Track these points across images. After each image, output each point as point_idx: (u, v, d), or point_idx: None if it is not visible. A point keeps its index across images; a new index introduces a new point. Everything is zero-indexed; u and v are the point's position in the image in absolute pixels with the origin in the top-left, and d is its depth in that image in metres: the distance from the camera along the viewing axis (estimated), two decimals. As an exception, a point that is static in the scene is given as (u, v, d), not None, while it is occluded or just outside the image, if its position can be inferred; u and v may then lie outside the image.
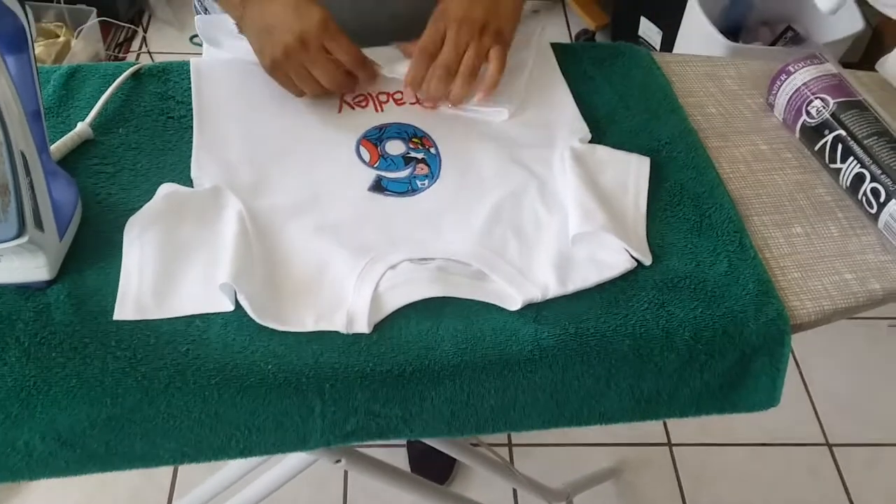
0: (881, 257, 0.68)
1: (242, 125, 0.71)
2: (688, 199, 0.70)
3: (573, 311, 0.61)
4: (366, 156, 0.71)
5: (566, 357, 0.59)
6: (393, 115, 0.75)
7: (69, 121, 0.70)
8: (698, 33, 1.77)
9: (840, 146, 0.72)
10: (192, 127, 0.70)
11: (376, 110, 0.75)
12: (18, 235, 0.53)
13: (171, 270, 0.60)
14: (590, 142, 0.74)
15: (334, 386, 0.56)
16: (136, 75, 0.75)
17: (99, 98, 0.72)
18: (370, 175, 0.69)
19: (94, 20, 2.03)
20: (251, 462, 1.09)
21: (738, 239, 0.67)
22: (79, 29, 2.00)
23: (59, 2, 2.01)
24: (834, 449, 1.54)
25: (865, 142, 0.70)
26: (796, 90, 0.76)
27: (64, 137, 0.68)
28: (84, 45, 2.00)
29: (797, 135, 0.77)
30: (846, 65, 0.82)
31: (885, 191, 0.67)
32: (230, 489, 1.06)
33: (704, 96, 0.82)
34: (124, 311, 0.57)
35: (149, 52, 2.23)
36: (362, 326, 0.58)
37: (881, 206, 0.68)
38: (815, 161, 0.76)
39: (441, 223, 0.66)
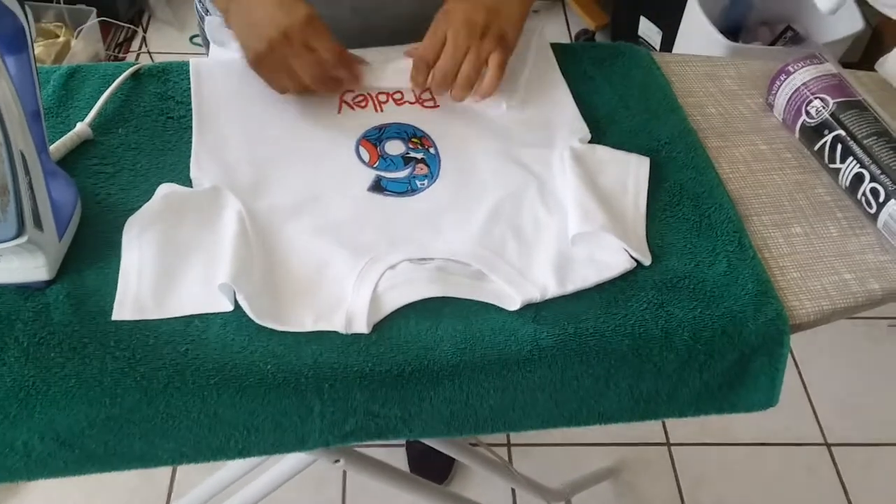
0: (880, 257, 0.69)
1: (242, 125, 0.71)
2: (687, 199, 0.70)
3: (572, 311, 0.61)
4: (365, 156, 0.71)
5: (565, 357, 0.59)
6: (392, 115, 0.75)
7: (69, 121, 0.70)
8: (698, 33, 1.77)
9: (839, 146, 0.72)
10: (191, 127, 0.70)
11: (376, 110, 0.75)
12: (18, 235, 0.53)
13: (170, 271, 0.60)
14: (589, 142, 0.74)
15: (333, 386, 0.56)
16: (135, 75, 0.75)
17: (98, 98, 0.72)
18: (370, 175, 0.69)
19: (93, 20, 2.03)
20: (250, 462, 1.09)
21: (737, 239, 0.67)
22: (78, 29, 2.00)
23: (58, 2, 2.01)
24: (833, 449, 1.54)
25: (865, 142, 0.70)
26: (796, 90, 0.76)
27: (63, 137, 0.68)
28: (84, 46, 2.00)
29: (797, 135, 0.77)
30: (846, 65, 0.82)
31: (885, 191, 0.67)
32: (229, 489, 1.06)
33: (704, 96, 0.82)
34: (123, 311, 0.57)
35: (148, 53, 2.23)
36: (361, 326, 0.58)
37: (880, 206, 0.68)
38: (814, 161, 0.76)
39: (440, 223, 0.66)
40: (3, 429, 0.53)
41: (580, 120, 0.75)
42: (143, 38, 2.29)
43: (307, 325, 0.58)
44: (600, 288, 0.62)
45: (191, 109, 0.72)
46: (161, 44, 2.27)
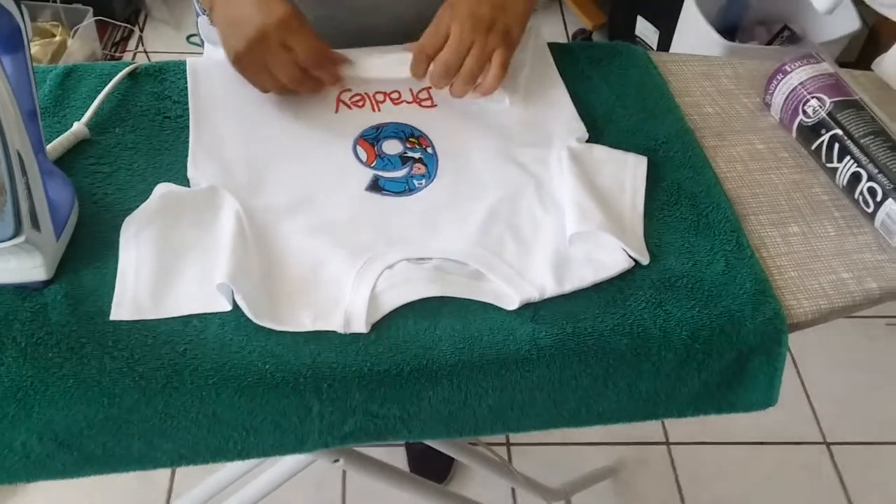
0: (878, 256, 0.69)
1: (239, 125, 0.71)
2: (685, 198, 0.70)
3: (570, 311, 0.61)
4: (363, 155, 0.71)
5: (564, 356, 0.59)
6: (390, 114, 0.75)
7: (65, 120, 0.70)
8: (695, 33, 1.77)
9: (837, 145, 0.72)
10: (188, 127, 0.70)
11: (373, 110, 0.75)
12: (15, 235, 0.53)
13: (167, 270, 0.60)
14: (587, 141, 0.74)
15: (332, 386, 0.56)
16: (132, 75, 0.75)
17: (95, 98, 0.72)
18: (367, 175, 0.69)
19: (90, 20, 2.03)
20: (249, 462, 1.09)
21: (735, 238, 0.67)
22: (75, 28, 2.00)
23: (55, 1, 2.00)
24: (832, 447, 1.54)
25: (862, 141, 0.70)
26: (793, 89, 0.76)
27: (60, 137, 0.68)
28: (80, 45, 2.00)
29: (794, 134, 0.77)
30: (842, 64, 0.82)
31: (882, 190, 0.67)
32: (228, 490, 1.06)
33: (701, 96, 0.82)
34: (121, 311, 0.57)
35: (145, 52, 2.23)
36: (360, 326, 0.58)
37: (878, 205, 0.68)
38: (811, 160, 0.76)
39: (438, 223, 0.66)
40: (1, 429, 0.53)
41: (577, 119, 0.75)
42: (140, 38, 2.29)
43: (305, 324, 0.58)
44: (598, 287, 0.62)
45: (187, 109, 0.72)
46: (158, 43, 2.27)
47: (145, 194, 0.64)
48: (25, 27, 0.58)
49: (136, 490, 1.38)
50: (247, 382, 0.55)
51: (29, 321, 0.56)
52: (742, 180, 0.74)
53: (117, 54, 2.20)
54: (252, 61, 0.69)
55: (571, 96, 0.77)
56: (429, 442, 1.01)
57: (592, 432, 1.51)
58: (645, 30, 2.09)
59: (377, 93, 0.76)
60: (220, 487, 1.12)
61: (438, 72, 0.71)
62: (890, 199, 0.67)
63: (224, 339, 0.57)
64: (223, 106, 0.72)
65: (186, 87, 0.74)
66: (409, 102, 0.76)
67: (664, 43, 2.01)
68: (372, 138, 0.72)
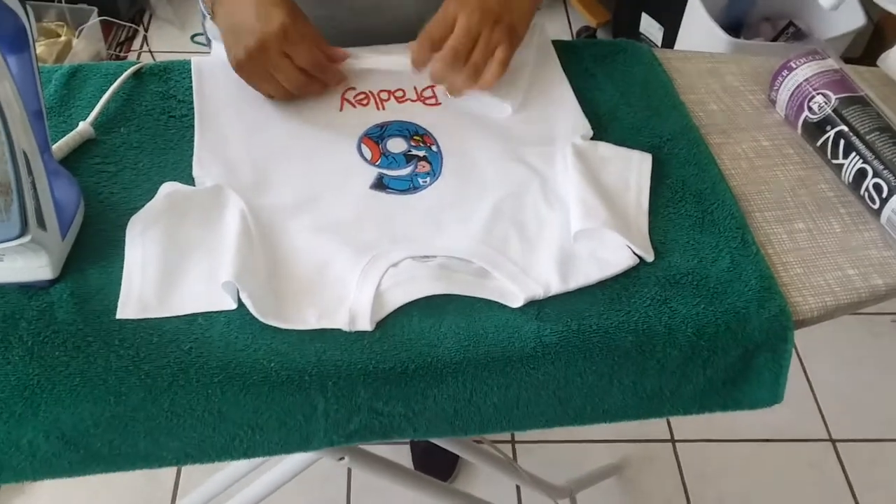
0: (884, 253, 0.68)
1: (244, 124, 0.71)
2: (690, 195, 0.70)
3: (575, 308, 0.61)
4: (367, 154, 0.71)
5: (569, 354, 0.59)
6: (394, 112, 0.75)
7: (71, 120, 0.70)
8: (700, 29, 1.77)
9: (842, 142, 0.72)
10: (193, 126, 0.70)
11: (377, 108, 0.75)
12: (21, 235, 0.53)
13: (173, 269, 0.60)
14: (591, 139, 0.74)
15: (337, 383, 0.56)
16: (137, 74, 0.75)
17: (100, 97, 0.72)
18: (372, 173, 0.69)
19: (95, 19, 2.03)
20: (254, 460, 1.09)
21: (740, 235, 0.66)
22: (80, 28, 2.00)
23: (60, 1, 2.01)
24: (837, 445, 1.54)
25: (867, 137, 0.70)
26: (798, 86, 0.76)
27: (66, 137, 0.68)
28: (85, 45, 2.00)
29: (799, 131, 0.77)
30: (848, 60, 0.82)
31: (888, 186, 0.67)
32: (233, 487, 1.06)
33: (706, 93, 0.82)
34: (127, 309, 0.58)
35: (150, 52, 2.24)
36: (365, 324, 0.58)
37: (884, 201, 0.68)
38: (817, 157, 0.76)
39: (443, 221, 0.66)
40: (8, 427, 0.53)
41: (582, 117, 0.75)
42: (145, 37, 2.29)
43: (310, 322, 0.58)
44: (603, 284, 0.62)
45: (192, 108, 0.72)
46: (162, 43, 2.27)
47: (151, 193, 0.64)
48: (31, 27, 0.58)
49: (142, 489, 1.38)
50: (252, 380, 0.55)
51: (35, 320, 0.56)
52: (747, 177, 0.73)
53: (122, 54, 2.20)
54: (254, 70, 0.69)
55: (576, 94, 0.77)
56: (434, 440, 1.01)
57: (597, 430, 1.51)
58: (649, 27, 2.09)
59: (381, 91, 0.76)
60: (226, 485, 1.13)
61: (447, 57, 0.69)
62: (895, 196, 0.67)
63: (229, 337, 0.57)
64: (228, 105, 0.73)
65: (191, 87, 0.74)
66: (413, 101, 0.76)
67: (669, 40, 2.01)
68: (376, 136, 0.72)
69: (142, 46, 2.26)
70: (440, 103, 0.76)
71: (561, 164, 0.70)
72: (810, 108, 0.75)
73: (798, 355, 1.66)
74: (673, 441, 1.53)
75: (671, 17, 1.94)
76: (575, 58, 0.82)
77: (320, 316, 0.58)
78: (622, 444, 1.52)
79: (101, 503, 1.36)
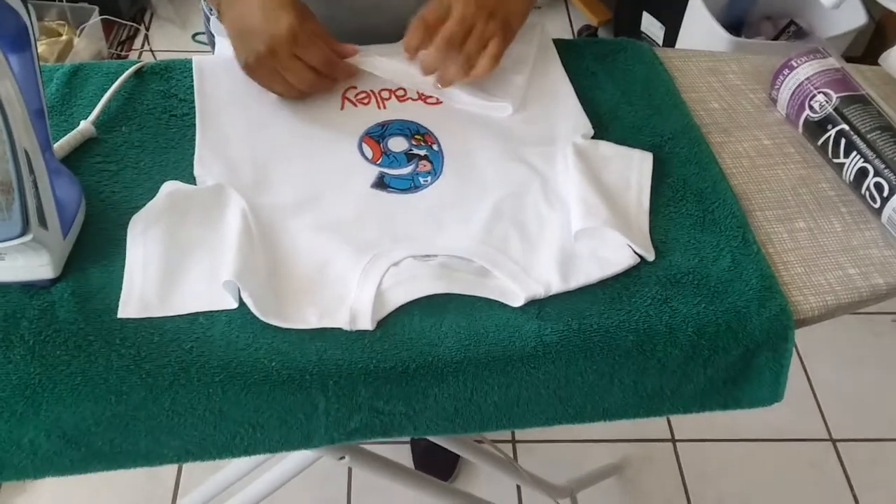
0: (885, 252, 0.68)
1: (245, 123, 0.71)
2: (691, 194, 0.70)
3: (576, 307, 0.61)
4: (368, 153, 0.71)
5: (569, 353, 0.59)
6: (395, 111, 0.75)
7: (72, 119, 0.70)
8: (701, 28, 1.77)
9: (843, 141, 0.71)
10: (194, 125, 0.70)
11: (378, 107, 0.75)
12: (22, 234, 0.53)
13: (174, 268, 0.60)
14: (592, 137, 0.74)
15: (338, 383, 0.56)
16: (138, 73, 0.76)
17: (102, 96, 0.72)
18: (373, 172, 0.69)
19: (96, 18, 2.03)
20: (255, 459, 1.10)
21: (741, 234, 0.66)
22: (81, 27, 2.00)
23: (61, 0, 2.01)
24: (838, 444, 1.54)
25: (869, 136, 0.70)
26: (799, 85, 0.76)
27: (67, 136, 0.68)
28: (86, 44, 2.00)
29: (800, 129, 0.77)
30: (849, 59, 0.82)
31: (889, 185, 0.67)
32: (234, 486, 1.07)
33: (707, 91, 0.82)
34: (128, 308, 0.58)
35: (151, 51, 2.24)
36: (366, 323, 0.58)
37: (884, 200, 0.68)
38: (818, 156, 0.76)
39: (444, 220, 0.66)
40: (9, 426, 0.53)
41: (583, 116, 0.75)
42: (146, 36, 2.29)
43: (311, 321, 0.58)
44: (604, 284, 0.62)
45: (194, 107, 0.72)
46: (163, 42, 2.27)
47: (152, 192, 0.64)
48: (32, 26, 0.58)
49: (143, 487, 1.39)
50: (253, 379, 0.55)
51: (36, 319, 0.56)
52: (748, 176, 0.73)
53: (123, 53, 2.20)
54: (263, 73, 0.69)
55: (577, 93, 0.77)
56: (434, 439, 1.01)
57: (598, 430, 1.51)
58: (650, 26, 2.09)
59: (382, 90, 0.76)
60: (227, 484, 1.13)
61: (439, 45, 0.69)
62: (897, 195, 0.67)
63: (230, 336, 0.57)
64: (229, 104, 0.73)
65: (192, 86, 0.74)
66: (414, 100, 0.76)
67: (670, 39, 2.01)
68: (377, 135, 0.72)
69: (143, 45, 2.26)
70: (441, 102, 0.76)
71: (562, 163, 0.70)
72: (811, 107, 0.75)
73: (799, 354, 1.66)
74: (673, 441, 1.53)
75: (672, 16, 1.94)
76: (576, 57, 0.82)
77: (321, 315, 0.58)
78: (622, 443, 1.52)
79: (103, 501, 1.37)
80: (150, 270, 0.59)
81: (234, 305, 0.58)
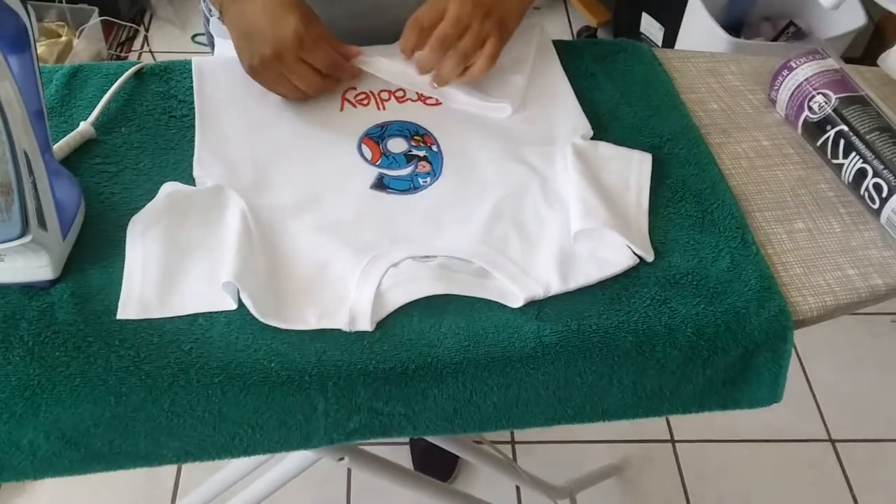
0: (884, 252, 0.68)
1: (244, 124, 0.71)
2: (690, 195, 0.70)
3: (575, 308, 0.61)
4: (368, 154, 0.71)
5: (568, 354, 0.59)
6: (395, 112, 0.75)
7: (72, 120, 0.70)
8: (700, 29, 1.77)
9: (842, 141, 0.72)
10: (194, 126, 0.70)
11: (378, 108, 0.75)
12: (22, 235, 0.53)
13: (174, 269, 0.60)
14: (591, 138, 0.74)
15: (337, 384, 0.56)
16: (138, 74, 0.76)
17: (101, 97, 0.72)
18: (372, 173, 0.69)
19: (95, 19, 2.03)
20: (255, 460, 1.10)
21: (740, 235, 0.67)
22: (80, 28, 2.00)
23: (60, 1, 2.01)
24: (837, 445, 1.54)
25: (868, 137, 0.70)
26: (798, 86, 0.76)
27: (66, 137, 0.68)
28: (86, 45, 2.00)
29: (799, 130, 0.77)
30: (848, 60, 0.82)
31: (888, 186, 0.67)
32: (234, 488, 1.07)
33: (706, 92, 0.82)
34: (128, 309, 0.58)
35: (150, 52, 2.24)
36: (365, 324, 0.58)
37: (883, 201, 0.68)
38: (817, 157, 0.76)
39: (443, 221, 0.66)
40: (8, 428, 0.53)
41: (582, 117, 0.75)
42: (145, 38, 2.30)
43: (311, 322, 0.58)
44: (603, 284, 0.62)
45: (193, 108, 0.72)
46: (163, 43, 2.27)
47: (151, 193, 0.64)
48: (32, 27, 0.58)
49: (142, 487, 1.39)
50: (252, 380, 0.55)
51: (36, 320, 0.56)
52: (747, 177, 0.74)
53: (123, 54, 2.20)
54: (268, 76, 0.70)
55: (576, 93, 0.77)
56: (433, 439, 1.01)
57: (597, 430, 1.51)
58: (650, 26, 2.09)
59: (382, 91, 0.76)
60: (226, 485, 1.13)
61: (433, 45, 0.69)
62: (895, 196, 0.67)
63: (230, 337, 0.57)
64: (228, 105, 0.73)
65: (192, 87, 0.74)
66: (414, 101, 0.76)
67: (669, 40, 2.01)
68: (377, 136, 0.72)
69: (142, 46, 2.26)
70: (440, 103, 0.76)
71: (561, 163, 0.70)
72: (810, 108, 0.75)
73: (798, 355, 1.66)
74: (673, 441, 1.53)
75: (671, 17, 1.94)
76: (575, 57, 0.82)
77: (320, 316, 0.58)
78: (622, 444, 1.52)
79: (102, 502, 1.37)
80: (149, 271, 0.59)
81: (234, 306, 0.58)
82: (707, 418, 1.53)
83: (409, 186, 0.68)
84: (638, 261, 0.64)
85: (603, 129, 0.75)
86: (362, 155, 0.71)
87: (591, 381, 0.60)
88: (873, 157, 0.69)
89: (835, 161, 0.73)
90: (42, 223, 0.55)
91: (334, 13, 0.75)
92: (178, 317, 0.58)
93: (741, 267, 0.64)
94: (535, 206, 0.67)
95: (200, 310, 0.58)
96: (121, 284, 0.59)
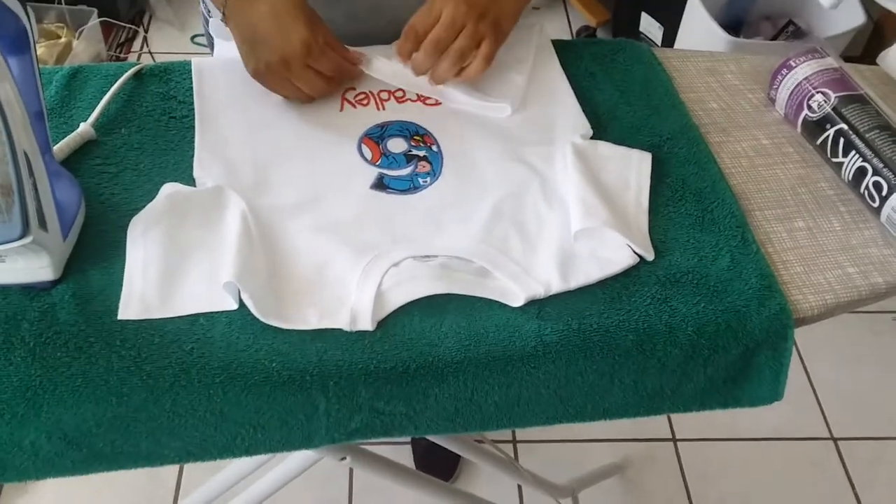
0: (884, 251, 0.68)
1: (244, 124, 0.72)
2: (690, 194, 0.70)
3: (576, 307, 0.61)
4: (368, 154, 0.71)
5: (569, 353, 0.59)
6: (394, 112, 0.75)
7: (72, 121, 0.71)
8: (699, 28, 1.77)
9: (842, 140, 0.72)
10: (193, 127, 0.71)
11: (378, 108, 0.75)
12: (22, 236, 0.53)
13: (174, 270, 0.60)
14: (591, 138, 0.74)
15: (338, 383, 0.56)
16: (137, 75, 0.76)
17: (101, 98, 0.72)
18: (372, 173, 0.69)
19: (95, 21, 2.03)
20: (256, 460, 1.10)
21: (740, 234, 0.67)
22: (80, 30, 2.00)
23: (60, 3, 2.01)
24: (839, 443, 1.54)
25: (867, 136, 0.70)
26: (797, 84, 0.76)
27: (67, 138, 0.68)
28: (85, 46, 2.00)
29: (799, 129, 0.77)
30: (847, 59, 0.82)
31: (887, 184, 0.67)
32: (235, 487, 1.07)
33: (705, 91, 0.82)
34: (128, 310, 0.58)
35: (150, 53, 2.24)
36: (366, 324, 0.58)
37: (883, 199, 0.68)
38: (816, 155, 0.76)
39: (443, 220, 0.66)
40: (10, 428, 0.53)
41: (582, 116, 0.75)
42: (145, 39, 2.30)
43: (311, 322, 0.58)
44: (603, 284, 0.62)
45: (193, 109, 0.72)
46: (162, 44, 2.27)
47: (151, 194, 0.65)
48: (31, 29, 0.58)
49: (144, 487, 1.39)
50: (254, 380, 0.56)
51: (37, 321, 0.57)
52: (747, 176, 0.74)
53: (122, 55, 2.20)
54: (274, 78, 0.70)
55: (575, 93, 0.77)
56: (435, 438, 1.01)
57: (599, 429, 1.51)
58: (649, 26, 2.09)
59: (382, 91, 0.76)
60: (228, 485, 1.13)
61: (428, 49, 0.70)
62: (895, 194, 0.67)
63: (231, 337, 0.57)
64: (228, 106, 0.73)
65: (192, 88, 0.74)
66: (413, 101, 0.76)
67: (668, 39, 2.01)
68: (377, 137, 0.72)
69: (142, 48, 2.26)
70: (440, 103, 0.76)
71: (561, 163, 0.70)
72: (810, 107, 0.75)
73: (798, 353, 1.66)
74: (674, 440, 1.53)
75: (671, 17, 1.94)
76: (574, 57, 0.82)
77: (321, 316, 0.58)
78: (624, 443, 1.52)
79: (104, 502, 1.37)
80: (150, 272, 0.60)
81: (235, 307, 0.58)
82: (708, 417, 1.53)
83: (409, 186, 0.68)
84: (638, 260, 0.64)
85: (602, 128, 0.75)
86: (362, 155, 0.71)
87: (592, 380, 0.60)
88: (873, 155, 0.69)
89: (834, 159, 0.73)
90: (43, 224, 0.55)
91: (333, 15, 0.75)
92: (179, 317, 0.58)
93: (741, 265, 0.64)
94: (535, 206, 0.67)
95: (201, 310, 0.58)
96: (121, 285, 0.59)
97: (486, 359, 0.58)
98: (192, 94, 0.73)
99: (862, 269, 0.67)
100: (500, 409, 0.61)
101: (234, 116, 0.72)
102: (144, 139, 0.70)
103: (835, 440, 1.54)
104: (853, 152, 0.70)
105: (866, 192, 0.70)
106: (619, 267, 0.63)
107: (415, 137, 0.73)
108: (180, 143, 0.70)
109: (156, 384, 0.55)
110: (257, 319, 0.57)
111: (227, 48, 0.75)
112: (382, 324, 0.59)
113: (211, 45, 0.87)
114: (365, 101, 0.75)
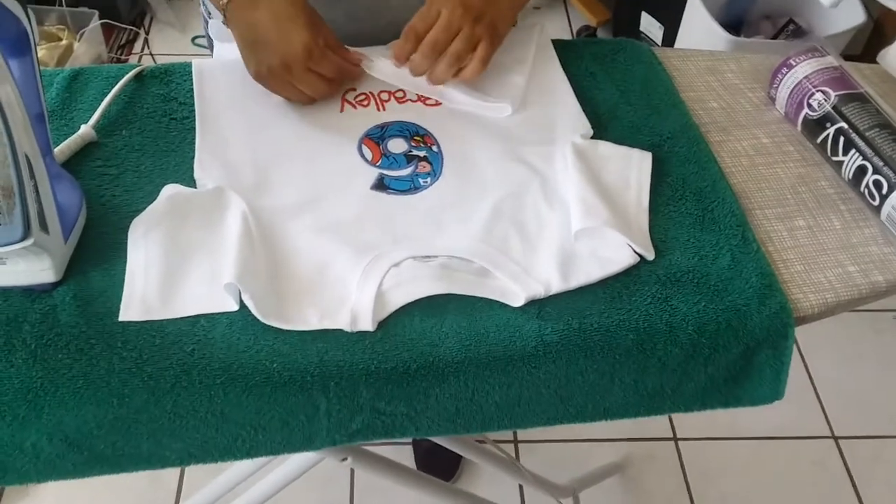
0: (884, 249, 0.68)
1: (244, 126, 0.72)
2: (690, 193, 0.70)
3: (576, 307, 0.61)
4: (368, 154, 0.71)
5: (570, 352, 0.59)
6: (395, 113, 0.75)
7: (72, 123, 0.71)
8: (700, 28, 1.77)
9: (842, 139, 0.72)
10: (194, 128, 0.71)
11: (378, 109, 0.75)
12: (24, 238, 0.53)
13: (175, 271, 0.60)
14: (591, 137, 0.74)
15: (339, 384, 0.57)
16: (138, 77, 0.76)
17: (102, 100, 0.72)
18: (372, 173, 0.69)
19: (95, 23, 2.03)
20: (258, 461, 1.10)
21: (740, 233, 0.67)
22: (81, 32, 2.00)
23: (61, 5, 2.01)
24: (840, 442, 1.54)
25: (867, 134, 0.70)
26: (798, 83, 0.76)
27: (67, 140, 0.68)
28: (86, 48, 2.01)
29: (799, 128, 0.77)
30: (848, 57, 0.82)
31: (888, 183, 0.67)
32: (237, 489, 1.07)
33: (706, 90, 0.82)
34: (130, 311, 0.58)
35: (151, 54, 2.24)
36: (366, 324, 0.58)
37: (883, 198, 0.68)
38: (817, 154, 0.76)
39: (444, 221, 0.66)
40: (11, 430, 0.53)
41: (582, 116, 0.75)
42: (146, 40, 2.30)
43: (312, 323, 0.58)
44: (604, 283, 0.62)
45: (194, 110, 0.72)
46: (163, 45, 2.27)
47: (152, 196, 0.65)
48: (32, 31, 0.58)
49: (145, 490, 1.39)
50: (255, 381, 0.56)
51: (38, 323, 0.57)
52: (747, 174, 0.74)
53: (123, 57, 2.21)
54: (276, 81, 0.70)
55: (576, 93, 0.77)
56: (436, 439, 1.01)
57: (600, 428, 1.51)
58: (649, 25, 2.09)
59: (382, 92, 0.76)
60: (229, 487, 1.13)
61: (425, 51, 0.70)
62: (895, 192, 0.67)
63: (232, 338, 0.57)
64: (229, 107, 0.73)
65: (192, 89, 0.74)
66: (413, 101, 0.76)
67: (669, 38, 2.01)
68: (377, 137, 0.72)
69: (143, 49, 2.26)
70: (440, 104, 0.76)
71: (561, 163, 0.70)
72: (810, 105, 0.75)
73: (799, 352, 1.66)
74: (675, 439, 1.53)
75: (671, 16, 1.94)
76: (575, 57, 0.82)
77: (322, 316, 0.58)
78: (624, 442, 1.52)
79: (105, 505, 1.37)
80: (151, 273, 0.60)
81: (235, 307, 0.59)
82: (709, 416, 1.53)
83: (410, 187, 0.69)
84: (638, 259, 0.64)
85: (603, 128, 0.75)
86: (362, 156, 0.71)
87: (593, 380, 0.61)
88: (873, 153, 0.69)
89: (835, 158, 0.73)
90: (44, 226, 0.55)
91: (334, 15, 0.75)
92: (180, 318, 0.58)
93: (742, 264, 0.64)
94: (535, 206, 0.67)
95: (202, 311, 0.58)
96: (123, 286, 0.59)
97: (487, 359, 0.58)
98: (192, 96, 0.73)
99: (862, 268, 0.67)
100: (500, 410, 0.61)
101: (234, 117, 0.72)
102: (145, 141, 0.70)
103: (836, 439, 1.54)
104: (853, 151, 0.70)
105: (866, 191, 0.70)
106: (619, 266, 0.63)
107: (415, 138, 0.73)
108: (181, 145, 0.70)
109: (157, 385, 0.55)
110: (258, 320, 0.57)
111: (226, 49, 0.75)
112: (383, 324, 0.59)
113: (211, 47, 0.87)
114: (365, 102, 0.75)
